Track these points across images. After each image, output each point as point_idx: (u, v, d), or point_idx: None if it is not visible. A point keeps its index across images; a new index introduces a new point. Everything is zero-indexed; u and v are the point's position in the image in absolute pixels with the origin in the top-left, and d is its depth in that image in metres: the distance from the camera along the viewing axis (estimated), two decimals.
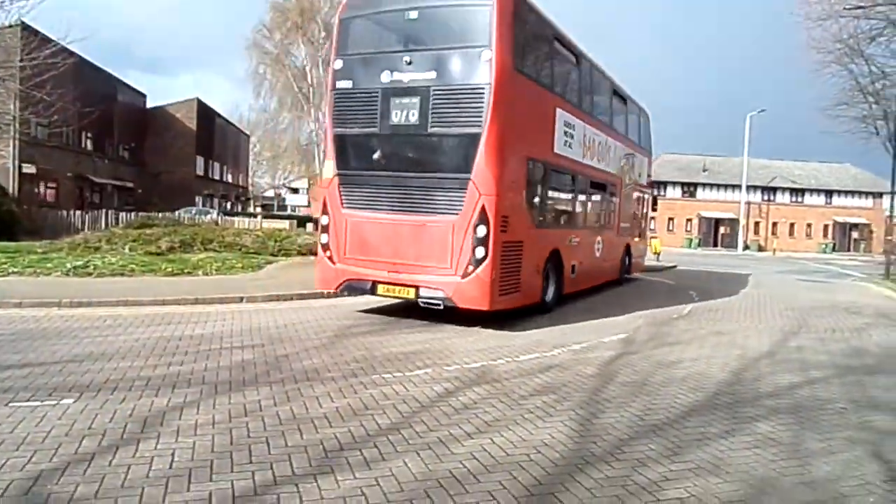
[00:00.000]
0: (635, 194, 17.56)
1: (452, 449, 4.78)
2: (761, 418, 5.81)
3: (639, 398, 6.24)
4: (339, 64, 9.88)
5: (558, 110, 10.95)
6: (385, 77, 9.50)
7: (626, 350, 8.49)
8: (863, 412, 6.15)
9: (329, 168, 10.07)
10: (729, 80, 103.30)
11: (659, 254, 27.39)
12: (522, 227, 9.63)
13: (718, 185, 55.03)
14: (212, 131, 52.88)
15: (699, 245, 52.82)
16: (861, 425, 5.78)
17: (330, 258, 10.04)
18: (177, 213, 28.43)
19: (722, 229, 54.75)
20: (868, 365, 8.29)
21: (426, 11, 9.44)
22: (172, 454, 4.48)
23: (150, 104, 47.94)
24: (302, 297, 12.15)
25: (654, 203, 21.45)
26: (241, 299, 11.30)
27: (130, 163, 43.98)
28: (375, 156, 9.55)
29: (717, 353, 8.56)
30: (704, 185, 55.09)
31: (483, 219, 8.87)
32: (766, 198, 55.59)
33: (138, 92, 46.23)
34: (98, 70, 37.30)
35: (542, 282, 10.61)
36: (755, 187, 54.05)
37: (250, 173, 72.72)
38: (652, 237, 27.51)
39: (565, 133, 11.26)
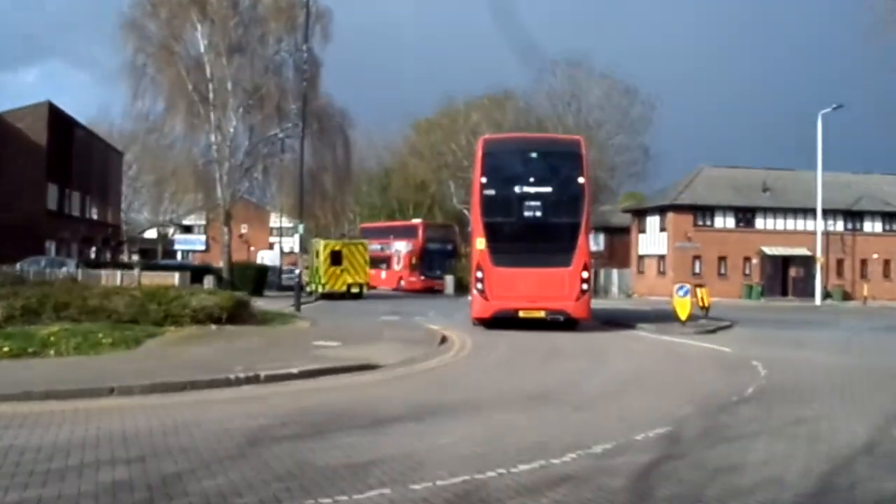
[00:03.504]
0: None
1: None
2: None
3: None
4: (484, 179, 23.68)
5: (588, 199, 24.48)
6: (517, 189, 23.60)
7: (668, 452, 8.55)
8: None
9: (481, 242, 23.60)
10: (790, 72, 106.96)
11: (708, 308, 27.76)
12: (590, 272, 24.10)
13: (785, 210, 56.04)
14: (69, 148, 52.37)
15: (762, 294, 53.26)
16: None
17: (485, 297, 23.51)
18: (18, 266, 28.00)
19: (792, 271, 55.61)
20: None
21: (542, 152, 24.67)
22: None
23: None
24: (199, 385, 11.98)
25: None
26: (111, 391, 11.18)
27: None
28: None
29: (795, 452, 8.65)
30: (766, 210, 55.91)
31: (585, 268, 23.20)
32: (850, 226, 56.96)
33: None
34: None
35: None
36: (835, 212, 55.20)
37: (124, 205, 72.58)
38: (697, 285, 28.04)
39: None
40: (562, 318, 23.36)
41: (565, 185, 24.04)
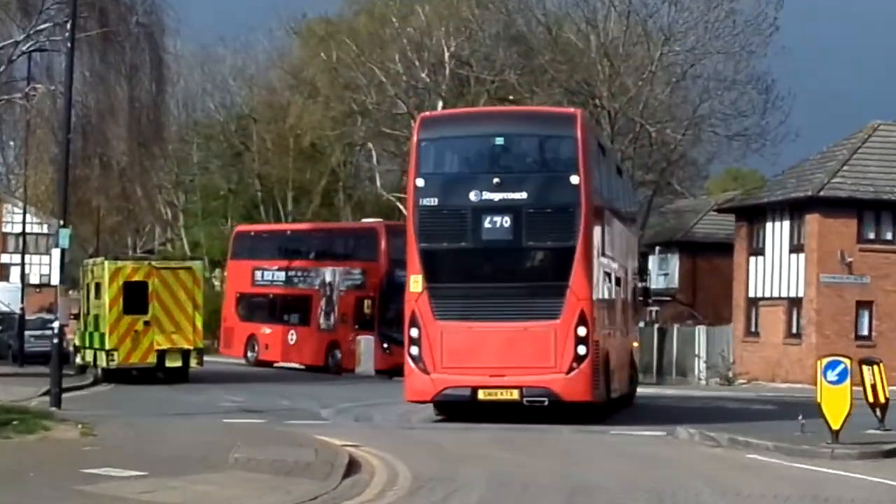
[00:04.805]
0: (632, 285, 39.89)
1: None
2: None
3: None
4: (420, 182, 29.02)
5: (605, 210, 31.42)
6: (474, 196, 28.67)
7: None
8: None
9: (416, 282, 28.29)
10: None
11: (886, 406, 27.48)
12: (599, 328, 29.25)
13: None
14: None
15: None
16: None
17: (423, 369, 28.05)
18: None
19: None
20: None
21: (513, 136, 30.85)
22: None
23: None
24: None
25: (646, 295, 45.86)
26: None
27: None
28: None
29: None
30: None
31: (583, 320, 27.99)
32: None
33: None
34: None
35: (605, 383, 29.87)
36: None
37: None
38: (864, 361, 27.81)
39: (606, 232, 31.46)
40: (546, 402, 28.06)
41: (551, 187, 29.23)
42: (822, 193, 55.40)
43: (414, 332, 28.22)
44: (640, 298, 43.66)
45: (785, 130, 63.47)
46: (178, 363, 43.68)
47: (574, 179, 27.96)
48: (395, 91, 64.69)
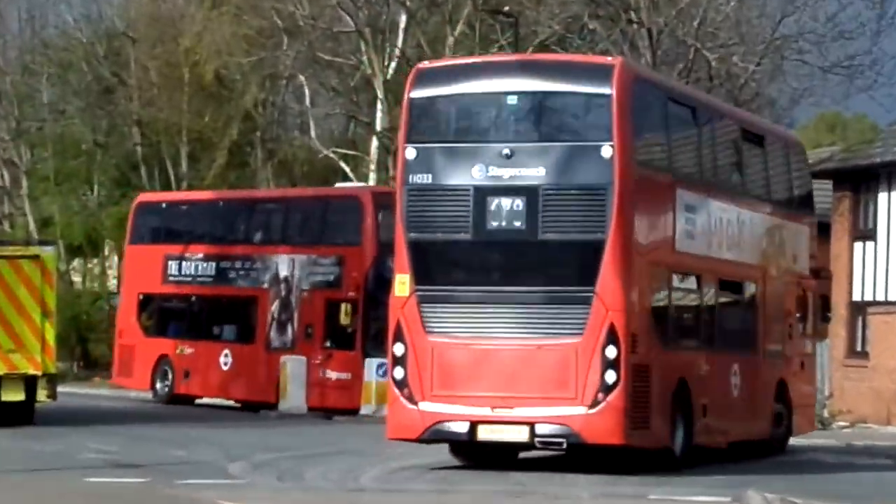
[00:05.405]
0: (790, 292, 39.99)
1: None
2: None
3: None
4: (411, 153, 29.58)
5: (678, 191, 31.59)
6: (477, 172, 28.86)
7: None
8: None
9: (403, 283, 29.25)
10: None
11: None
12: (649, 348, 29.13)
13: None
14: None
15: None
16: None
17: (409, 397, 28.66)
18: None
19: None
20: None
21: (530, 95, 30.09)
22: None
23: None
24: None
25: (827, 304, 44.21)
26: None
27: None
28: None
29: None
30: None
31: (613, 338, 27.56)
32: None
33: None
34: None
35: (669, 422, 30.09)
36: None
37: None
38: None
39: (686, 221, 32.10)
40: (564, 444, 28.24)
41: (576, 161, 28.66)
42: None
43: (398, 350, 28.21)
44: (815, 311, 41.97)
45: None
46: (20, 396, 40.96)
47: (606, 152, 27.26)
48: None
